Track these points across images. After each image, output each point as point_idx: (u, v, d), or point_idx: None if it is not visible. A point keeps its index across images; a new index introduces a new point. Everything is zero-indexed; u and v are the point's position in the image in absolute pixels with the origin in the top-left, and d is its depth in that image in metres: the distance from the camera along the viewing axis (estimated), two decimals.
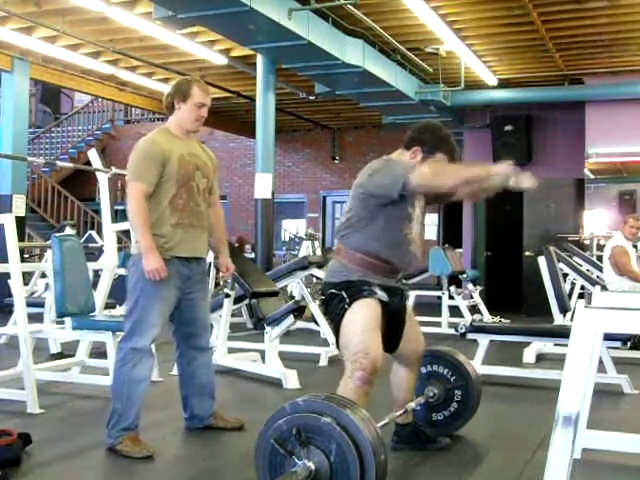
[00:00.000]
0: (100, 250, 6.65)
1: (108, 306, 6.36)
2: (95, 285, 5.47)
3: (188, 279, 3.50)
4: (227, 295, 5.44)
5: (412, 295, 6.62)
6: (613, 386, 4.83)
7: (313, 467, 2.36)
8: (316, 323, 6.80)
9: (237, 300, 5.62)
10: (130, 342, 3.38)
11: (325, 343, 6.40)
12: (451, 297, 8.22)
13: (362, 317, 2.94)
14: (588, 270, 7.60)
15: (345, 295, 2.98)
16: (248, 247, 12.18)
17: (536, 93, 10.41)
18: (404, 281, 3.25)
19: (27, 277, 7.71)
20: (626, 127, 9.68)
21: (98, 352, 5.32)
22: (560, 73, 10.01)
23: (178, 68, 9.91)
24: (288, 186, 14.57)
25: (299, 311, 5.12)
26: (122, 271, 6.48)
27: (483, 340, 5.10)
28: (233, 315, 6.22)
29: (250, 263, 6.31)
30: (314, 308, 6.63)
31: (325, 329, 6.55)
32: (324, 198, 14.56)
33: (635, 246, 6.89)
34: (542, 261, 6.21)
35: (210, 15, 6.62)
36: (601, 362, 4.41)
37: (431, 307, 8.36)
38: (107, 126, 15.19)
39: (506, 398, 4.76)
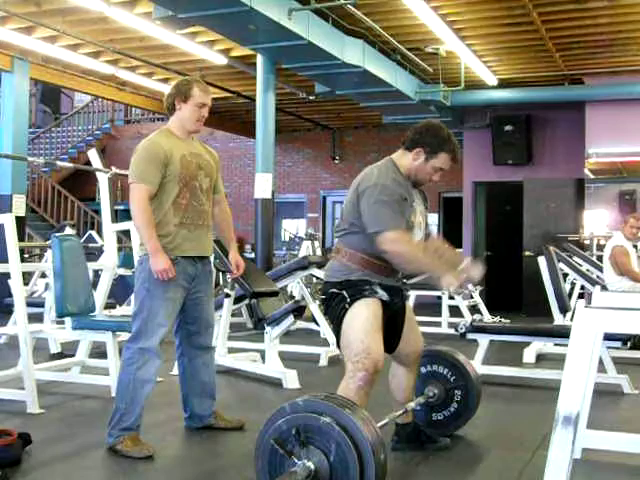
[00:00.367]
0: (100, 250, 6.65)
1: (108, 306, 6.36)
2: (95, 285, 5.47)
3: (194, 278, 3.51)
4: (227, 295, 5.44)
5: (412, 295, 6.62)
6: (613, 386, 4.83)
7: (313, 467, 2.36)
8: (316, 323, 6.80)
9: (237, 300, 5.62)
10: (138, 342, 3.37)
11: (325, 343, 6.40)
12: (451, 297, 8.22)
13: (363, 317, 2.93)
14: (588, 270, 7.59)
15: (346, 294, 2.98)
16: (248, 247, 12.19)
17: (536, 93, 10.41)
18: (404, 280, 3.24)
19: (27, 277, 7.71)
20: (626, 127, 9.68)
21: (98, 352, 5.33)
22: (560, 73, 10.01)
23: (178, 68, 9.91)
24: (288, 186, 14.57)
25: (299, 311, 5.13)
26: (122, 271, 6.49)
27: (483, 340, 5.10)
28: (233, 315, 6.23)
29: (250, 263, 6.30)
30: (314, 308, 6.63)
31: (325, 329, 6.55)
32: (324, 198, 14.56)
33: (635, 246, 6.89)
34: (542, 261, 6.21)
35: (210, 15, 6.61)
36: (601, 362, 4.42)
37: (431, 307, 8.35)
38: (107, 126, 15.18)
39: (506, 398, 4.76)
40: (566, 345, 2.04)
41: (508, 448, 3.57)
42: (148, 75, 10.66)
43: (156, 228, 3.37)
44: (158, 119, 14.23)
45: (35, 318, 5.57)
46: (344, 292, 2.98)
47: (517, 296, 10.71)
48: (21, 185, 9.86)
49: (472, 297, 8.83)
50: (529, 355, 6.02)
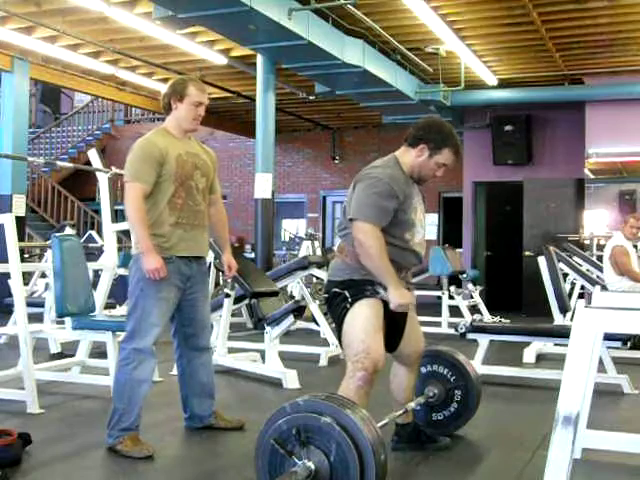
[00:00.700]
0: (100, 250, 6.65)
1: (108, 306, 6.36)
2: (95, 285, 5.47)
3: (189, 279, 3.50)
4: (227, 295, 5.44)
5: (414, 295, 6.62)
6: (613, 386, 4.83)
7: (313, 467, 2.36)
8: (316, 323, 6.80)
9: (237, 300, 5.62)
10: (132, 343, 3.37)
11: (325, 343, 6.40)
12: (451, 297, 8.23)
13: (364, 317, 2.94)
14: (588, 270, 7.59)
15: (347, 294, 2.98)
16: (248, 247, 12.19)
17: (536, 93, 10.41)
18: (408, 280, 3.24)
19: (27, 277, 7.71)
20: (626, 127, 9.68)
21: (98, 352, 5.33)
22: (560, 73, 10.01)
23: (178, 68, 9.91)
24: (288, 186, 14.57)
25: (299, 311, 5.13)
26: (122, 271, 6.49)
27: (483, 340, 5.10)
28: (233, 315, 6.22)
29: (250, 263, 6.31)
30: (314, 308, 6.63)
31: (325, 329, 6.55)
32: (324, 198, 14.56)
33: (635, 246, 6.89)
34: (542, 261, 6.20)
35: (210, 15, 6.61)
36: (601, 362, 4.42)
37: (431, 307, 8.35)
38: (107, 126, 15.18)
39: (506, 398, 4.76)
40: (566, 345, 2.04)
41: (508, 448, 3.57)
42: (148, 75, 10.67)
43: (151, 227, 3.36)
44: (158, 119, 14.23)
45: (35, 318, 5.57)
46: (346, 292, 2.99)
47: (517, 296, 10.70)
48: (21, 185, 9.86)
49: (472, 297, 8.84)
50: (529, 355, 6.02)
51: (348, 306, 2.97)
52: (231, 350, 5.64)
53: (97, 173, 5.71)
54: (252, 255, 9.28)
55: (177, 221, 3.43)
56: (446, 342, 5.68)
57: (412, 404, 3.32)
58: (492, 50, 9.05)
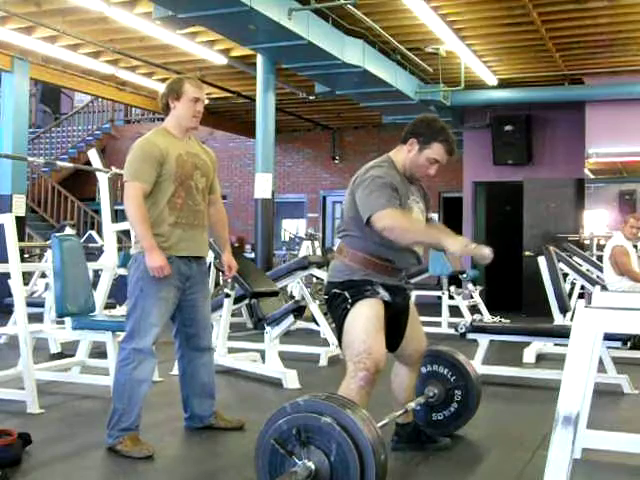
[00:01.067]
0: (100, 250, 6.65)
1: (108, 306, 6.36)
2: (95, 285, 5.47)
3: (188, 279, 3.50)
4: (227, 295, 5.44)
5: (412, 295, 6.62)
6: (613, 386, 4.83)
7: (313, 467, 2.36)
8: (316, 323, 6.80)
9: (237, 300, 5.62)
10: (132, 342, 3.37)
11: (325, 343, 6.40)
12: (451, 297, 8.23)
13: (365, 317, 2.93)
14: (588, 270, 7.59)
15: (347, 295, 2.98)
16: (248, 247, 12.18)
17: (536, 93, 10.41)
18: (407, 280, 3.25)
19: (27, 277, 7.71)
20: (626, 127, 9.68)
21: (98, 352, 5.33)
22: (560, 73, 10.01)
23: (178, 68, 9.91)
24: (288, 186, 14.57)
25: (299, 311, 5.12)
26: (122, 271, 6.48)
27: (483, 340, 5.10)
28: (233, 315, 6.22)
29: (250, 263, 6.30)
30: (314, 308, 6.63)
31: (325, 329, 6.55)
32: (324, 198, 14.57)
33: (635, 246, 6.89)
34: (542, 261, 6.20)
35: (210, 15, 6.61)
36: (601, 362, 4.42)
37: (431, 307, 8.35)
38: (107, 126, 15.19)
39: (506, 398, 4.76)
40: (566, 345, 2.03)
41: (508, 448, 3.57)
42: (148, 75, 10.67)
43: (151, 227, 3.36)
44: (158, 119, 14.23)
45: (35, 318, 5.57)
46: (346, 292, 2.99)
47: (517, 296, 10.70)
48: (21, 185, 9.86)
49: (472, 297, 8.84)
50: (529, 355, 6.02)
51: (348, 307, 2.97)
52: (231, 350, 5.64)
53: (97, 173, 5.71)
54: (252, 255, 9.28)
55: (176, 221, 3.43)
56: (446, 342, 5.68)
57: (412, 404, 3.32)
58: (492, 50, 9.05)
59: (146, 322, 3.36)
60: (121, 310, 6.50)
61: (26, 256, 9.22)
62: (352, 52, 8.02)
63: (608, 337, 4.38)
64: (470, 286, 8.99)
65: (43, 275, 7.56)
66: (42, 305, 6.15)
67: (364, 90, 9.37)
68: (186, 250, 3.46)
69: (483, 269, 11.55)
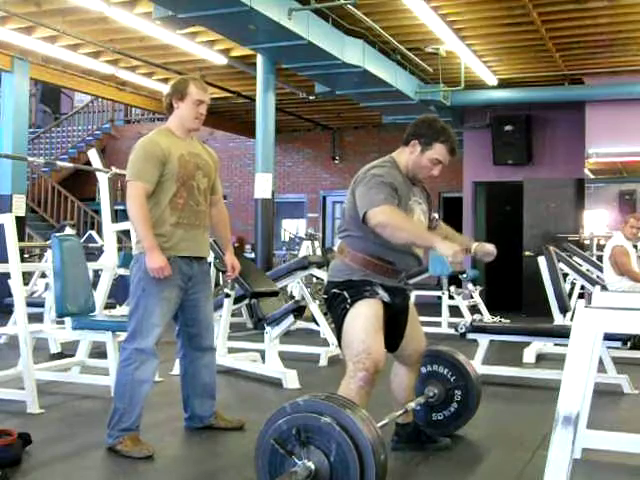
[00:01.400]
0: (100, 250, 6.65)
1: (108, 306, 6.36)
2: (95, 285, 5.47)
3: (190, 279, 3.50)
4: (227, 295, 5.44)
5: (412, 295, 6.62)
6: (613, 386, 4.83)
7: (313, 467, 2.36)
8: (316, 323, 6.80)
9: (237, 300, 5.62)
10: (134, 343, 3.37)
11: (325, 343, 6.40)
12: (451, 297, 8.23)
13: (364, 317, 2.93)
14: (588, 270, 7.59)
15: (347, 295, 2.98)
16: (248, 247, 12.18)
17: (536, 93, 10.41)
18: (407, 281, 3.25)
19: (27, 277, 7.71)
20: (626, 127, 9.68)
21: (98, 352, 5.33)
22: (560, 73, 10.01)
23: (178, 68, 9.91)
24: (288, 186, 14.58)
25: (299, 311, 5.12)
26: (122, 271, 6.49)
27: (483, 340, 5.10)
28: (233, 315, 6.22)
29: (250, 263, 6.30)
30: (314, 308, 6.63)
31: (325, 329, 6.55)
32: (324, 198, 14.57)
33: (635, 246, 6.89)
34: (542, 261, 6.20)
35: (210, 15, 6.61)
36: (601, 362, 4.41)
37: (431, 307, 8.36)
38: (107, 126, 15.19)
39: (506, 398, 4.76)
40: (566, 345, 2.03)
41: (508, 448, 3.57)
42: (148, 75, 10.67)
43: (153, 227, 3.36)
44: (158, 119, 14.23)
45: (35, 318, 5.57)
46: (345, 292, 2.99)
47: (517, 296, 10.70)
48: (21, 185, 9.86)
49: (472, 297, 8.84)
50: (529, 355, 6.02)
51: (348, 307, 2.97)
52: (231, 350, 5.64)
53: (97, 173, 5.71)
54: (252, 255, 9.28)
55: (178, 221, 3.42)
56: (446, 342, 5.68)
57: (412, 404, 3.32)
58: (492, 50, 9.06)
59: (148, 322, 3.36)
60: (121, 310, 6.51)
61: (26, 256, 9.23)
62: (352, 52, 8.02)
63: (608, 337, 4.38)
64: (470, 286, 8.99)
65: (43, 275, 7.55)
66: (42, 305, 6.15)
67: (364, 90, 9.37)
68: (187, 250, 3.46)
69: (483, 269, 11.55)
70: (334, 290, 3.03)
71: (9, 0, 7.85)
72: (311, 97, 10.77)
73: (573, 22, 8.01)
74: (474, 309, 8.69)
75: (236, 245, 10.12)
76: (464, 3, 7.50)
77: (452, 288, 8.18)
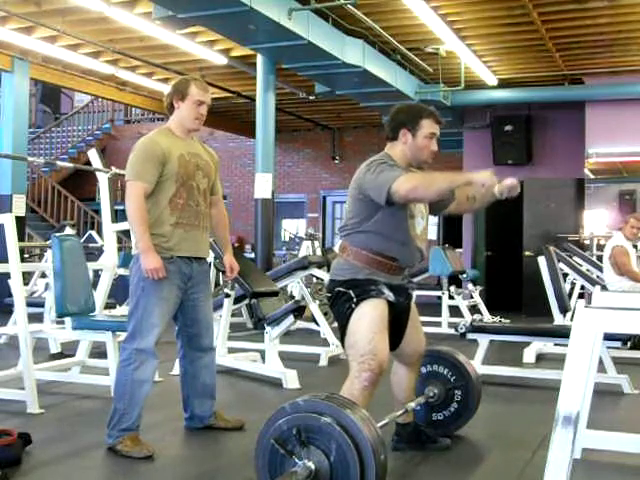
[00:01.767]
0: (100, 250, 6.65)
1: (108, 306, 6.36)
2: (95, 285, 5.47)
3: (190, 279, 3.50)
4: (227, 295, 5.44)
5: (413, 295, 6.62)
6: (613, 386, 4.83)
7: (313, 467, 2.36)
8: (316, 323, 6.80)
9: (237, 300, 5.62)
10: (133, 343, 3.37)
11: (325, 343, 6.39)
12: (451, 297, 8.22)
13: (370, 318, 2.93)
14: (588, 270, 7.59)
15: (353, 294, 2.97)
16: (248, 247, 12.19)
17: (536, 93, 10.41)
18: (410, 279, 3.25)
19: (27, 277, 7.71)
20: (626, 127, 9.68)
21: (98, 352, 5.33)
22: (560, 73, 10.01)
23: (178, 68, 9.91)
24: (288, 186, 14.57)
25: (299, 311, 5.12)
26: (122, 271, 6.49)
27: (483, 340, 5.10)
28: (233, 315, 6.22)
29: (250, 263, 6.30)
30: (314, 308, 6.63)
31: (325, 329, 6.55)
32: (324, 198, 14.56)
33: (635, 246, 6.89)
34: (542, 261, 6.20)
35: (210, 15, 6.61)
36: (601, 362, 4.42)
37: (431, 307, 8.36)
38: (107, 126, 15.18)
39: (506, 398, 4.76)
40: (566, 345, 2.04)
41: (508, 448, 3.57)
42: (148, 75, 10.66)
43: (152, 227, 3.36)
44: (158, 119, 14.23)
45: (35, 318, 5.57)
46: (351, 291, 2.98)
47: (517, 296, 10.70)
48: (21, 185, 9.86)
49: (472, 297, 8.84)
50: (529, 355, 6.02)
51: (353, 306, 2.96)
52: (231, 350, 5.64)
53: (97, 173, 5.70)
54: (252, 255, 9.29)
55: (177, 221, 3.42)
56: (446, 342, 5.68)
57: (412, 404, 3.32)
58: (492, 50, 9.06)
59: (148, 322, 3.36)
60: (121, 310, 6.51)
61: (26, 256, 9.23)
62: (352, 52, 8.02)
63: (608, 337, 4.38)
64: (470, 286, 8.99)
65: (43, 275, 7.55)
66: (42, 305, 6.14)
67: (364, 90, 9.36)
68: (187, 250, 3.46)
69: (483, 269, 11.55)
70: (338, 289, 3.03)
71: (9, 0, 7.85)
72: (311, 97, 10.77)
73: (573, 22, 8.01)
74: (474, 309, 8.69)
75: (236, 245, 10.14)
76: (464, 3, 7.50)
77: (452, 288, 8.18)
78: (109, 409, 3.40)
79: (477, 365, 4.70)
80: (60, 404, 4.33)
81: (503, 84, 10.23)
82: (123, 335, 3.59)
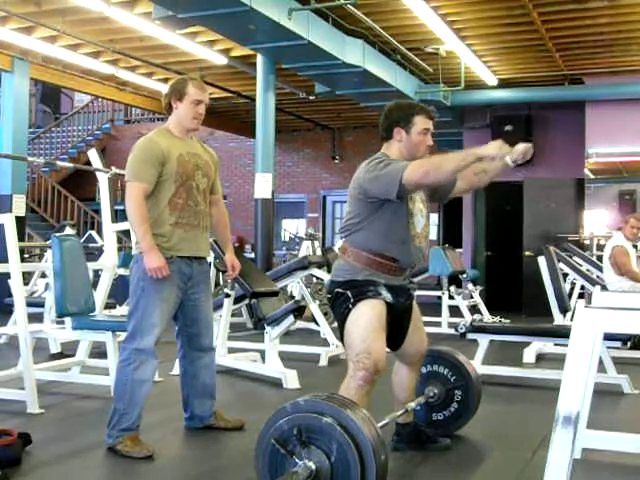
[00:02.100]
0: (100, 250, 6.65)
1: (108, 306, 6.36)
2: (95, 285, 5.47)
3: (190, 279, 3.50)
4: (227, 295, 5.44)
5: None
6: (613, 386, 4.83)
7: (314, 467, 2.36)
8: (316, 323, 6.80)
9: (237, 300, 5.62)
10: (133, 343, 3.37)
11: (325, 343, 6.40)
12: (451, 297, 8.22)
13: (366, 317, 2.94)
14: (588, 270, 7.60)
15: (350, 294, 2.99)
16: (248, 247, 12.18)
17: (536, 93, 10.41)
18: (411, 279, 3.25)
19: (27, 277, 7.71)
20: (626, 127, 9.68)
21: (98, 352, 5.33)
22: (560, 73, 10.01)
23: (178, 68, 9.91)
24: (288, 186, 14.57)
25: (299, 311, 5.12)
26: (122, 271, 6.49)
27: (483, 340, 5.10)
28: (233, 315, 6.22)
29: (250, 263, 6.30)
30: (314, 308, 6.63)
31: (325, 329, 6.55)
32: (324, 198, 14.56)
33: (635, 246, 6.89)
34: (542, 261, 6.20)
35: (210, 15, 6.61)
36: (601, 362, 4.41)
37: (431, 307, 8.35)
38: (107, 126, 15.18)
39: (506, 398, 4.76)
40: (566, 345, 2.03)
41: (508, 448, 3.57)
42: (148, 75, 10.66)
43: (152, 227, 3.36)
44: (158, 119, 14.23)
45: (35, 318, 5.57)
46: (348, 292, 2.99)
47: (517, 296, 10.70)
48: (21, 185, 9.86)
49: (472, 297, 8.84)
50: (529, 355, 6.02)
51: (350, 306, 2.97)
52: (231, 350, 5.64)
53: (97, 173, 5.70)
54: (252, 255, 9.28)
55: (177, 221, 3.42)
56: (446, 342, 5.68)
57: (412, 404, 3.32)
58: (492, 50, 9.06)
59: (148, 322, 3.36)
60: (121, 310, 6.51)
61: (26, 256, 9.22)
62: (352, 52, 8.02)
63: (608, 337, 4.38)
64: (470, 286, 8.99)
65: (43, 275, 7.55)
66: (42, 305, 6.14)
67: (364, 90, 9.36)
68: (187, 250, 3.46)
69: (483, 269, 11.55)
70: (337, 289, 3.04)
71: (9, 0, 7.85)
72: (311, 97, 10.77)
73: (573, 22, 8.00)
74: (474, 309, 8.69)
75: (236, 245, 10.13)
76: (464, 3, 7.50)
77: (452, 288, 8.18)
78: (109, 409, 3.40)
79: (477, 365, 4.70)
80: (60, 404, 4.33)
81: (503, 84, 10.23)
82: (123, 335, 3.59)
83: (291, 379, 4.88)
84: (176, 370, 4.46)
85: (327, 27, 7.61)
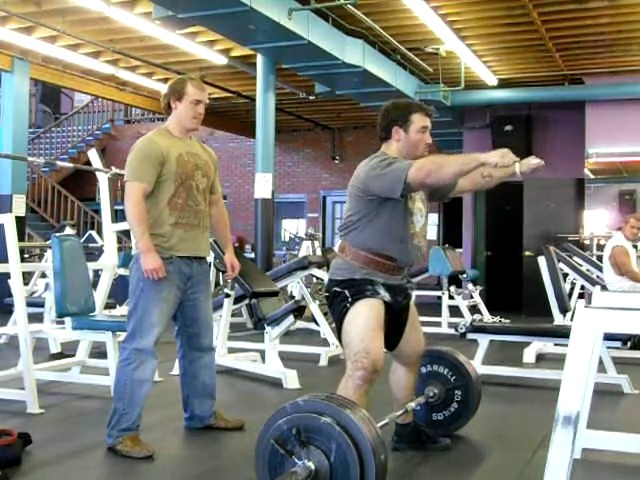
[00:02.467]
0: (100, 250, 6.65)
1: (108, 306, 6.36)
2: (95, 285, 5.47)
3: (190, 279, 3.50)
4: (227, 295, 5.44)
5: (413, 295, 6.61)
6: (613, 386, 4.83)
7: (313, 467, 2.36)
8: (316, 323, 6.80)
9: (237, 300, 5.62)
10: (133, 342, 3.37)
11: (325, 343, 6.40)
12: (451, 297, 8.22)
13: (364, 317, 2.94)
14: (588, 270, 7.59)
15: (348, 294, 2.98)
16: (248, 247, 12.18)
17: (536, 93, 10.41)
18: (410, 279, 3.25)
19: (27, 277, 7.70)
20: (626, 127, 9.68)
21: (98, 352, 5.33)
22: (560, 73, 10.01)
23: (178, 68, 9.91)
24: (288, 186, 14.57)
25: (299, 311, 5.12)
26: (122, 271, 6.49)
27: (483, 340, 5.10)
28: (233, 315, 6.22)
29: (250, 263, 6.30)
30: (314, 308, 6.63)
31: (325, 329, 6.55)
32: (324, 198, 14.56)
33: (635, 246, 6.89)
34: (542, 261, 6.20)
35: (210, 15, 6.61)
36: (601, 362, 4.41)
37: (431, 307, 8.36)
38: (107, 126, 15.18)
39: (506, 398, 4.75)
40: (566, 345, 2.03)
41: (508, 448, 3.57)
42: (148, 75, 10.67)
43: (151, 227, 3.36)
44: (158, 119, 14.23)
45: (35, 318, 5.57)
46: (346, 291, 2.99)
47: (517, 296, 10.70)
48: (21, 185, 9.86)
49: (472, 297, 8.84)
50: (529, 355, 6.02)
51: (348, 305, 2.97)
52: (231, 350, 5.64)
53: (97, 173, 5.70)
54: (252, 255, 9.28)
55: (177, 221, 3.42)
56: (446, 342, 5.68)
57: (412, 404, 3.31)
58: (492, 50, 9.06)
59: (147, 322, 3.36)
60: (121, 310, 6.51)
61: (26, 256, 9.22)
62: (352, 52, 8.02)
63: (608, 337, 4.38)
64: (470, 286, 8.99)
65: (43, 275, 7.55)
66: (42, 305, 6.15)
67: (364, 90, 9.36)
68: (187, 250, 3.46)
69: (483, 269, 11.55)
70: (335, 288, 3.04)
71: (9, 0, 7.85)
72: (311, 97, 10.77)
73: (573, 22, 8.01)
74: (474, 309, 8.69)
75: (236, 245, 10.13)
76: (464, 3, 7.50)
77: (452, 288, 8.18)
78: (109, 409, 3.40)
79: (477, 365, 4.70)
80: (60, 404, 4.33)
81: (503, 84, 10.23)
82: (123, 335, 3.60)
83: (291, 379, 4.88)
84: (176, 370, 4.46)
85: (327, 27, 7.61)
